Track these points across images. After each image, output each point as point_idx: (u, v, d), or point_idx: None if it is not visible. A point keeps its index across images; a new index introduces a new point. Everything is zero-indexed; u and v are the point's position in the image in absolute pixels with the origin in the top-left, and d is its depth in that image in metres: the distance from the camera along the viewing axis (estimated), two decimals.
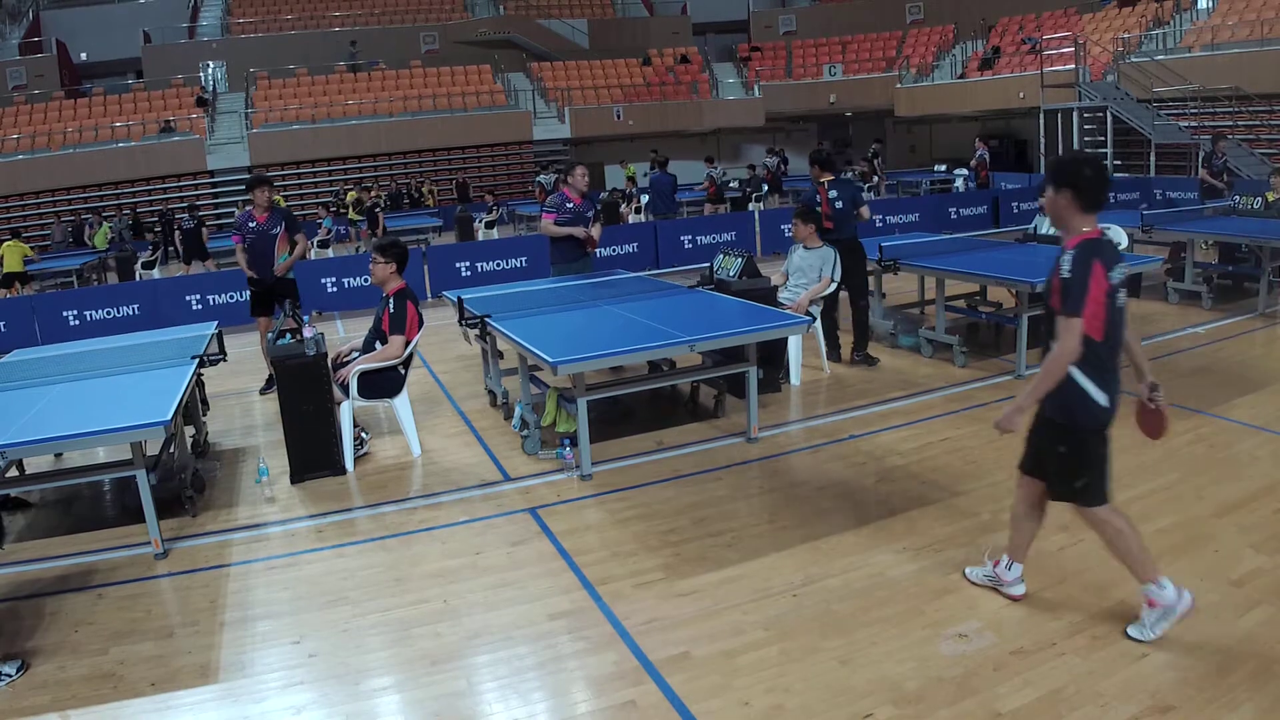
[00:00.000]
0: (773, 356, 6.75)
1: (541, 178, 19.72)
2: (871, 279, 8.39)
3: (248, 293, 7.94)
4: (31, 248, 15.09)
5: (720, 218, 15.71)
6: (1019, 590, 3.72)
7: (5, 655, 3.69)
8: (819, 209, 7.47)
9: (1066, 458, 3.44)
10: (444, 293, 7.54)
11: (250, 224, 7.49)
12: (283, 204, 15.76)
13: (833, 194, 7.49)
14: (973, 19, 26.00)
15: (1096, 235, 3.32)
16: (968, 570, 3.93)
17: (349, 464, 5.74)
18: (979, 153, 18.15)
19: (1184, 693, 3.05)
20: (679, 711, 3.16)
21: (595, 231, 7.54)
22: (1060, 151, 19.90)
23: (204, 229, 15.62)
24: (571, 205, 7.43)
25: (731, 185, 20.95)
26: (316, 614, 3.99)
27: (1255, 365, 6.95)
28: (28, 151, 21.46)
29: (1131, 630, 3.41)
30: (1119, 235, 9.24)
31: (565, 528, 4.71)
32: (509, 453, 5.92)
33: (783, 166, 24.29)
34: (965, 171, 20.01)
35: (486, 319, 6.04)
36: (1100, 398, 3.35)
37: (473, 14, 28.92)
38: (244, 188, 7.88)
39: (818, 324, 7.24)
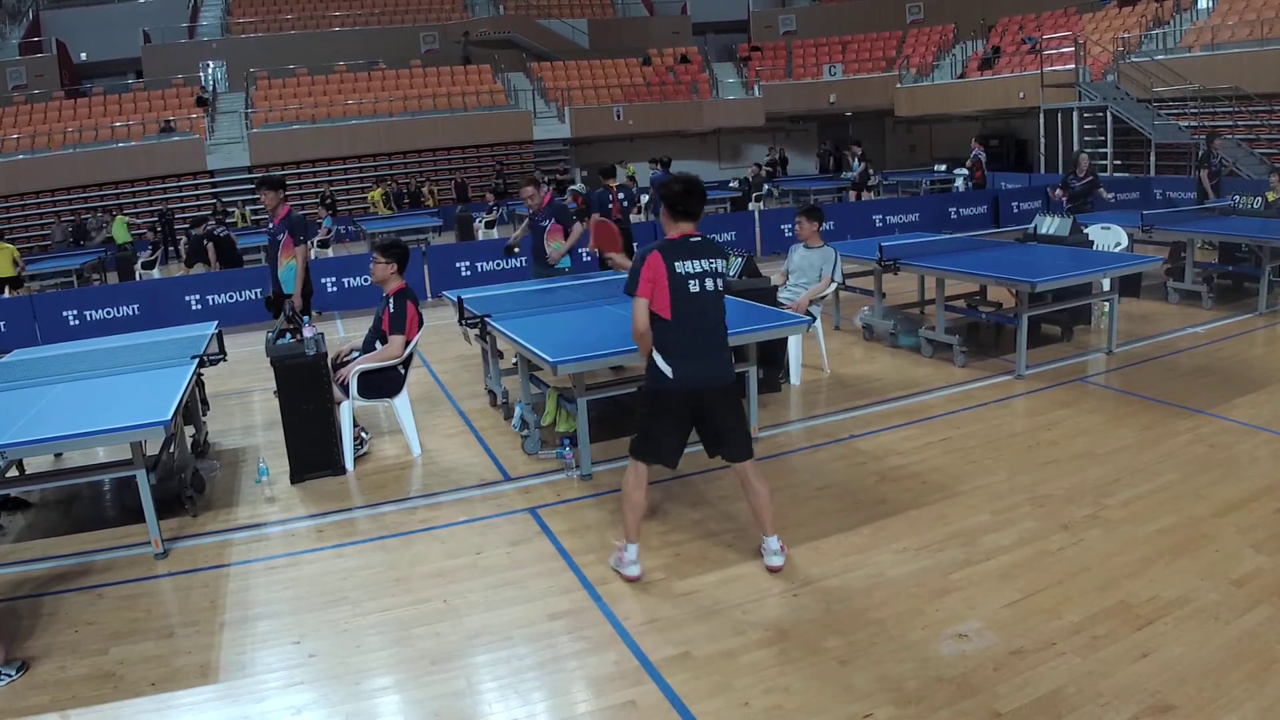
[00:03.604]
0: (772, 356, 6.75)
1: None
2: (871, 278, 8.47)
3: (249, 293, 7.89)
4: (20, 250, 14.84)
5: (720, 218, 15.70)
6: (634, 571, 4.11)
7: (5, 655, 3.69)
8: (610, 206, 9.59)
9: (638, 414, 4.10)
10: (444, 293, 7.54)
11: (269, 226, 7.42)
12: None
13: (620, 195, 9.93)
14: (973, 19, 25.99)
15: (675, 238, 3.95)
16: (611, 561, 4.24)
17: (349, 464, 5.74)
18: (974, 153, 18.15)
19: (1184, 693, 3.05)
20: (679, 711, 3.16)
21: (552, 246, 7.72)
22: (1060, 152, 19.93)
23: (211, 240, 15.56)
24: (534, 216, 7.88)
25: (731, 185, 20.94)
26: (316, 614, 3.99)
27: (1255, 365, 6.95)
28: (28, 151, 21.45)
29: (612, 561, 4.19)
30: (1119, 235, 9.26)
31: (565, 528, 4.71)
32: (509, 453, 5.92)
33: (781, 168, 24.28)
34: (965, 171, 19.99)
35: (486, 319, 6.04)
36: (665, 367, 3.91)
37: (473, 14, 28.91)
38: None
39: (818, 324, 7.24)
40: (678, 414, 3.98)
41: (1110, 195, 11.83)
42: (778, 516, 4.67)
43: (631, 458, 4.04)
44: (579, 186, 18.27)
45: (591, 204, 10.14)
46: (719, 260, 3.98)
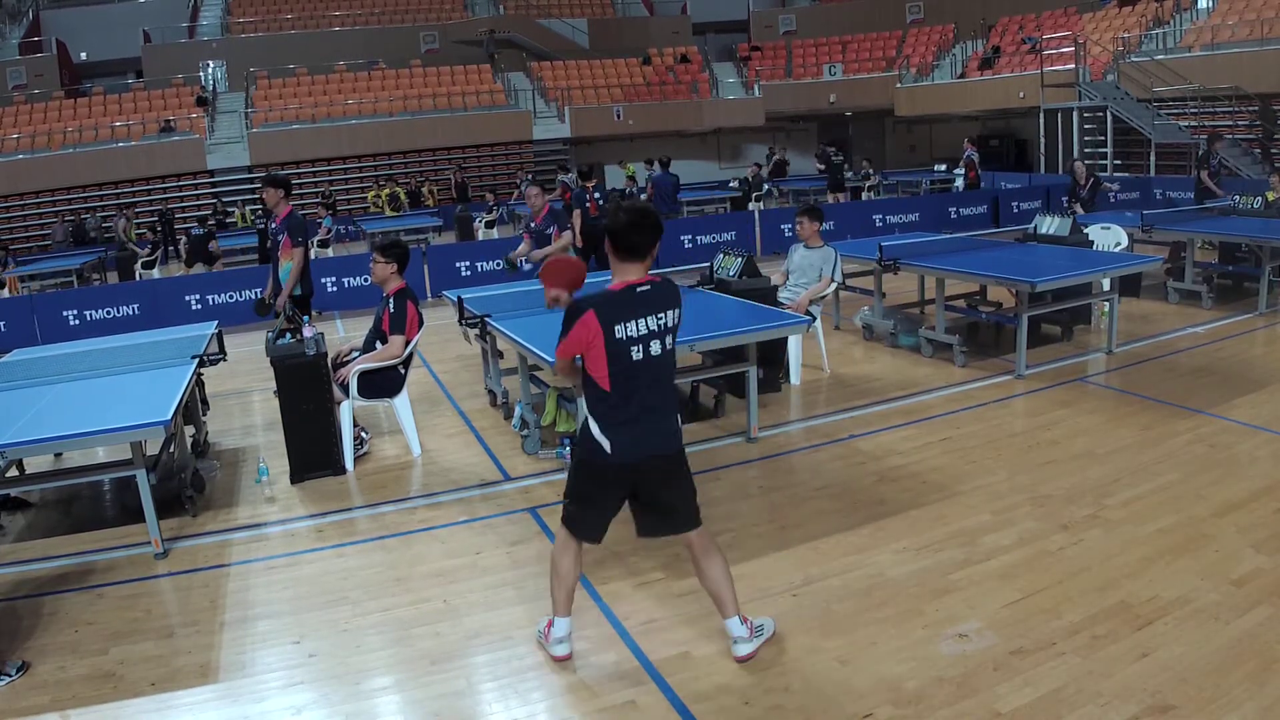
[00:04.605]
0: (773, 356, 6.75)
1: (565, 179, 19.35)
2: (871, 278, 8.47)
3: (249, 293, 7.86)
4: (19, 250, 14.78)
5: (720, 218, 15.73)
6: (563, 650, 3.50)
7: (5, 655, 3.69)
8: (588, 205, 10.10)
9: (570, 480, 3.51)
10: (444, 292, 7.54)
11: (270, 226, 7.32)
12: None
13: (597, 195, 10.42)
14: (973, 19, 25.98)
15: (617, 289, 3.21)
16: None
17: (349, 464, 5.74)
18: (967, 153, 18.14)
19: (1184, 693, 3.05)
20: (679, 711, 3.16)
21: (556, 246, 8.07)
22: (1060, 152, 19.94)
23: (214, 239, 15.55)
24: (534, 225, 8.34)
25: (731, 185, 20.96)
26: (316, 614, 3.99)
27: (1255, 365, 6.95)
28: (28, 151, 21.43)
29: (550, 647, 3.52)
30: (1119, 235, 9.26)
31: None
32: (509, 453, 5.92)
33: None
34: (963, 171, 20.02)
35: (486, 319, 6.04)
36: (603, 440, 3.23)
37: (473, 14, 28.91)
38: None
39: (818, 323, 7.24)
40: (612, 488, 3.34)
41: (1114, 185, 12.00)
42: (777, 515, 4.69)
43: (561, 524, 3.44)
44: (568, 178, 18.14)
45: (572, 202, 10.57)
46: (670, 312, 3.23)
